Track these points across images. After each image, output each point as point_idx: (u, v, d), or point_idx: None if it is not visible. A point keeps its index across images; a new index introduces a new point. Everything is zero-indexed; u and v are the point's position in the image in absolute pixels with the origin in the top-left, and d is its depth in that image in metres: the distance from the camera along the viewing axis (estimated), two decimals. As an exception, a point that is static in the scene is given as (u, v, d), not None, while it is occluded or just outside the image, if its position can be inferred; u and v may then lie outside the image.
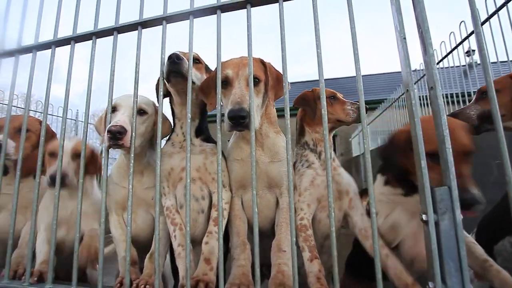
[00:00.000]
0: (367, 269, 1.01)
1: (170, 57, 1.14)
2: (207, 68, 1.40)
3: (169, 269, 1.50)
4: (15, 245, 1.36)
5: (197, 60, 1.35)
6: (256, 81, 1.16)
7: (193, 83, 1.24)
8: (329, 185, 0.89)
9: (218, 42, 1.01)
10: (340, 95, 1.47)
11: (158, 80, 1.37)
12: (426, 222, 0.74)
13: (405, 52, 0.85)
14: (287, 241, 1.15)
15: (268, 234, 1.32)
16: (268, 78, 1.21)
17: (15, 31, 1.35)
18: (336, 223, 1.34)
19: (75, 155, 1.41)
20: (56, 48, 1.28)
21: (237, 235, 1.23)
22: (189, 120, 1.01)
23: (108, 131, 1.11)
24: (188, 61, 1.07)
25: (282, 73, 0.97)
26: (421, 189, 0.77)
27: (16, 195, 1.17)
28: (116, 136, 1.11)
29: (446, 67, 3.63)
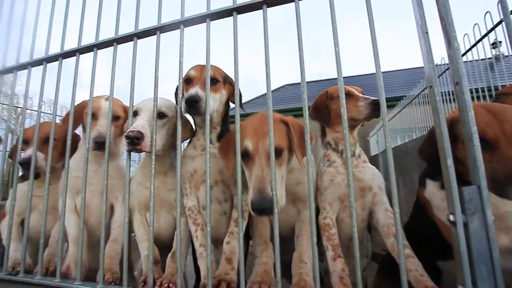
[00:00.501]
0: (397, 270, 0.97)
1: (187, 101, 1.14)
2: (225, 80, 1.36)
3: (190, 268, 1.53)
4: (46, 244, 1.44)
5: (214, 79, 1.28)
6: (279, 152, 1.06)
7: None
8: (350, 185, 0.87)
9: (235, 44, 1.02)
10: (355, 91, 1.42)
11: (177, 88, 1.40)
12: (453, 223, 0.71)
13: (427, 47, 0.82)
14: (308, 253, 1.14)
15: (288, 239, 1.32)
16: (292, 139, 1.11)
17: (43, 41, 1.43)
18: (360, 223, 1.31)
19: (114, 117, 1.47)
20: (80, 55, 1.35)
21: (259, 236, 1.24)
22: (208, 142, 1.02)
23: (126, 137, 1.14)
24: (206, 69, 1.08)
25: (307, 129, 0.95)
26: (448, 188, 0.74)
27: (46, 197, 1.25)
28: (134, 142, 1.14)
29: (470, 61, 3.47)
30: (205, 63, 1.10)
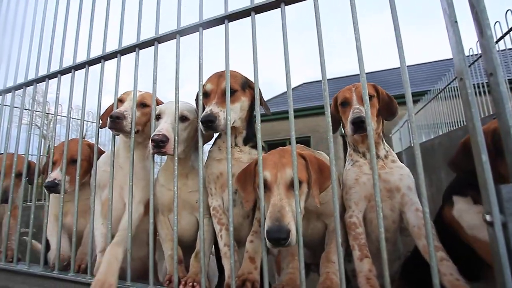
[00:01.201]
0: (422, 273, 0.92)
1: (203, 122, 1.12)
2: (244, 86, 1.32)
3: (213, 266, 1.55)
4: (78, 244, 1.51)
5: (231, 90, 1.21)
6: (300, 183, 1.02)
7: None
8: (375, 183, 0.84)
9: (253, 46, 1.02)
10: (354, 96, 1.31)
11: (197, 94, 1.42)
12: (491, 224, 0.67)
13: (457, 36, 0.77)
14: (336, 254, 1.11)
15: (315, 252, 1.31)
16: (310, 174, 1.09)
17: (71, 51, 1.51)
18: (391, 224, 1.27)
19: (142, 104, 1.46)
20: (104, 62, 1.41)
21: (286, 250, 1.21)
22: (229, 150, 1.03)
23: (151, 140, 1.17)
24: (225, 69, 1.09)
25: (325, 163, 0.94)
26: (483, 187, 0.70)
27: (76, 202, 1.34)
28: (159, 145, 1.16)
29: (502, 50, 3.26)
30: (222, 68, 1.10)
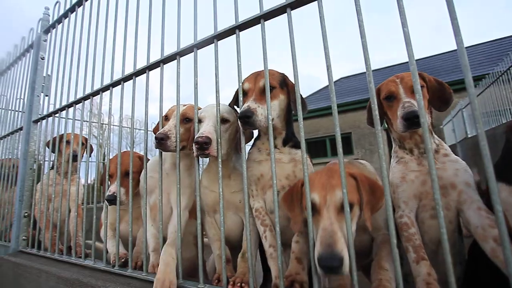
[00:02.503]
0: (490, 284, 0.81)
1: (240, 118, 1.13)
2: (282, 83, 1.30)
3: (257, 266, 1.56)
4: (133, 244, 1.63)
5: (271, 87, 1.20)
6: (351, 206, 0.97)
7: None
8: (433, 179, 0.77)
9: (291, 43, 1.00)
10: (401, 89, 1.19)
11: (234, 96, 1.43)
12: None
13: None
14: (388, 261, 1.04)
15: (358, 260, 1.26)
16: (362, 195, 1.02)
17: (120, 64, 1.64)
18: (448, 225, 1.14)
19: (184, 120, 1.50)
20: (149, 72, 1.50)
21: None
22: (272, 154, 1.02)
23: (195, 142, 1.21)
24: (264, 69, 1.09)
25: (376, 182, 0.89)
26: None
27: (130, 210, 1.45)
28: (202, 147, 1.19)
29: None
30: (260, 68, 1.11)
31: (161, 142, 1.33)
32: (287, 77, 1.33)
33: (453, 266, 1.28)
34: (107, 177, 1.72)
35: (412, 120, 1.06)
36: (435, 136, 1.26)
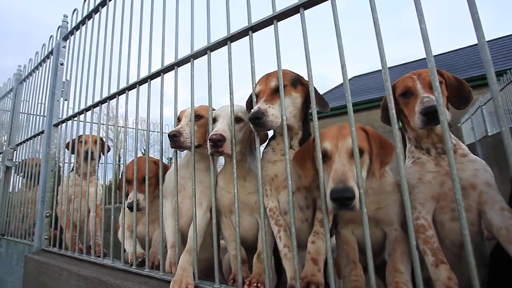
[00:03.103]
0: None
1: (250, 119, 1.13)
2: (295, 82, 1.29)
3: (272, 267, 1.56)
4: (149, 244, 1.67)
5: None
6: (360, 152, 1.01)
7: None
8: (454, 179, 0.74)
9: (305, 42, 1.00)
10: (419, 84, 1.16)
11: (249, 97, 1.45)
12: None
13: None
14: (404, 263, 1.03)
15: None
16: (372, 147, 1.07)
17: (135, 69, 1.68)
18: (469, 227, 1.08)
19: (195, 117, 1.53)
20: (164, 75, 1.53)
21: (347, 257, 1.17)
22: (287, 152, 1.02)
23: (209, 140, 1.22)
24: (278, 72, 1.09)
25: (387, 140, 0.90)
26: None
27: (147, 213, 1.51)
28: (216, 144, 1.21)
29: None
30: (273, 69, 1.11)
31: (174, 139, 1.36)
32: (301, 77, 1.32)
33: (477, 268, 1.24)
34: (123, 182, 1.79)
35: (431, 115, 1.02)
36: (452, 135, 1.22)
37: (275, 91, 1.19)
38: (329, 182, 0.93)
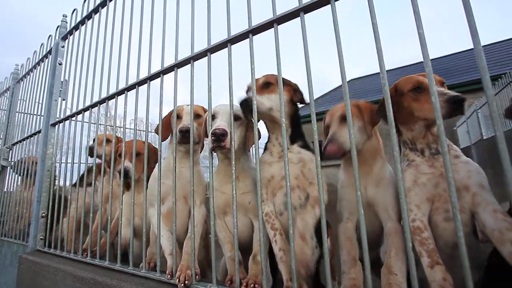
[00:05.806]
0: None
1: (241, 104, 1.29)
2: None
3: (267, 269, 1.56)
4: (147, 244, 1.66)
5: (268, 83, 1.36)
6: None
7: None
8: (449, 181, 0.76)
9: (304, 46, 1.01)
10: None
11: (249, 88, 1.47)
12: None
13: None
14: (398, 265, 1.06)
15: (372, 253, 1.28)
16: (364, 117, 1.33)
17: (135, 69, 1.68)
18: (463, 228, 1.11)
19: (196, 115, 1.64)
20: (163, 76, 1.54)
21: (348, 254, 1.19)
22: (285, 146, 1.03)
23: (212, 134, 1.25)
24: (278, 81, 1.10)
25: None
26: None
27: (145, 206, 1.49)
28: (219, 138, 1.25)
29: None
30: (272, 72, 1.12)
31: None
32: (288, 80, 1.41)
33: (470, 270, 1.26)
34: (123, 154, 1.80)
35: (459, 103, 1.05)
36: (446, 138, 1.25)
37: (264, 86, 1.34)
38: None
